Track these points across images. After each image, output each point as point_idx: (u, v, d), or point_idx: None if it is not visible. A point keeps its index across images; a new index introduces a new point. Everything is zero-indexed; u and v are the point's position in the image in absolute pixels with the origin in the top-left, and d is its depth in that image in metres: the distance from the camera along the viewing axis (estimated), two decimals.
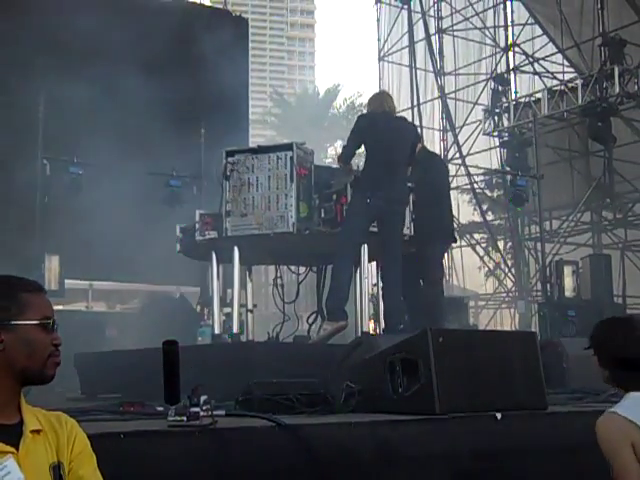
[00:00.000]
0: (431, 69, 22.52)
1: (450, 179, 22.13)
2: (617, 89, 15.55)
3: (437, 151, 22.35)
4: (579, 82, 16.76)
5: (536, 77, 20.52)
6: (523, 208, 17.39)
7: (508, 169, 17.69)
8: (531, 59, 20.69)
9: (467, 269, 22.63)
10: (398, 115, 8.08)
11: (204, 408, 3.47)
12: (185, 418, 3.42)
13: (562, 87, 17.39)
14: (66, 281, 12.13)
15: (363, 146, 7.71)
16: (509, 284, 21.23)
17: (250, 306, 8.62)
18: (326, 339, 7.07)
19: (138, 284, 16.06)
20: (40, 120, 12.29)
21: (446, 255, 22.68)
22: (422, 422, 4.01)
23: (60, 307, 12.71)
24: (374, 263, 8.07)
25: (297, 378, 4.81)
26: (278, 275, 8.23)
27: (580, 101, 16.37)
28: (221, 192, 7.53)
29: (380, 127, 7.56)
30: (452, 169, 22.66)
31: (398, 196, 7.47)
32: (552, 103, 17.14)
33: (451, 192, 21.89)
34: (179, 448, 3.33)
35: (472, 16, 21.97)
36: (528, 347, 4.59)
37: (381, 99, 7.93)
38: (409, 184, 7.91)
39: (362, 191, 7.32)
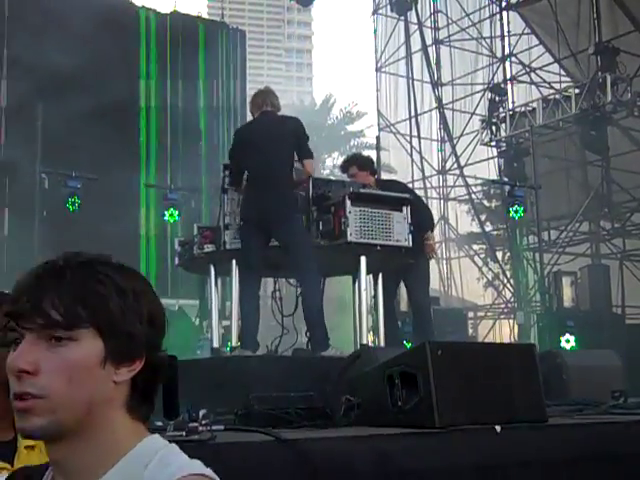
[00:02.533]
0: (428, 80, 22.61)
1: (448, 190, 22.37)
2: (609, 97, 15.57)
3: (434, 162, 22.50)
4: (572, 91, 16.79)
5: (533, 87, 20.57)
6: (521, 218, 17.40)
7: (506, 179, 17.70)
8: (528, 69, 20.75)
9: (466, 280, 22.65)
10: (278, 114, 7.60)
11: (203, 422, 3.46)
12: (184, 433, 3.41)
13: (556, 96, 17.41)
14: None
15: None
16: (508, 295, 21.23)
17: None
18: None
19: None
20: (39, 134, 12.30)
21: (445, 266, 22.81)
22: (422, 435, 4.00)
23: None
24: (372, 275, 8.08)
25: (296, 392, 4.80)
26: (277, 288, 8.22)
27: (574, 110, 16.40)
28: (219, 205, 7.53)
29: (250, 137, 7.31)
30: (450, 180, 22.77)
31: (276, 206, 7.05)
32: (547, 112, 17.17)
33: (449, 202, 22.02)
34: None
35: (469, 27, 22.05)
36: (527, 359, 4.58)
37: (256, 101, 7.55)
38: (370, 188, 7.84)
39: (241, 213, 7.26)
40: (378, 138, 19.19)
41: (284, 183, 7.15)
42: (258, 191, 7.09)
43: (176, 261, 8.28)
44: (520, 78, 20.97)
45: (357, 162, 8.73)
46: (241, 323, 7.25)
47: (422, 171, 22.65)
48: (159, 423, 4.09)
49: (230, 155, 7.54)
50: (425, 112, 23.03)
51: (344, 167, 8.78)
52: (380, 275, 8.14)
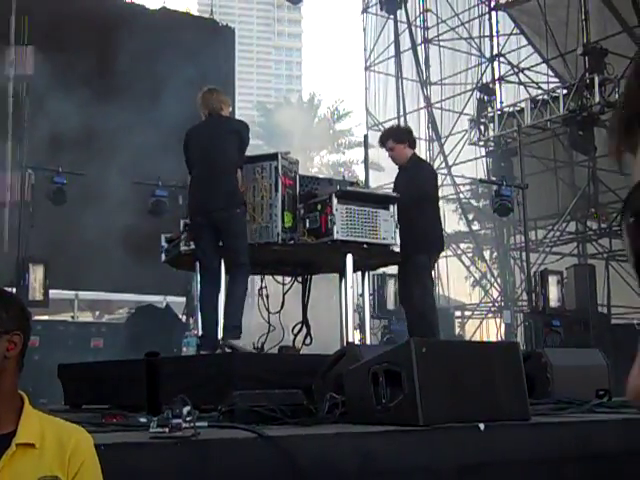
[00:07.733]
0: (417, 79, 22.62)
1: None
2: (597, 98, 15.61)
3: None
4: (561, 91, 16.84)
5: (521, 87, 20.62)
6: (508, 218, 17.45)
7: (494, 179, 17.74)
8: (516, 69, 20.81)
9: (453, 279, 22.65)
10: (222, 116, 7.61)
11: (186, 419, 3.46)
12: (167, 429, 3.40)
13: (545, 96, 17.46)
14: (52, 291, 12.07)
15: None
16: (495, 294, 21.28)
17: None
18: None
19: (124, 294, 16.04)
20: (25, 129, 12.26)
21: None
22: (405, 433, 4.01)
23: (45, 317, 12.70)
24: (359, 273, 8.07)
25: (282, 389, 4.80)
26: (263, 285, 8.21)
27: (562, 110, 16.44)
28: None
29: (194, 142, 7.41)
30: (438, 179, 22.76)
31: (218, 202, 7.05)
32: (535, 112, 17.21)
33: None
34: (160, 460, 3.32)
35: (458, 26, 22.07)
36: (511, 357, 4.60)
37: (201, 102, 7.67)
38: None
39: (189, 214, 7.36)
40: (366, 136, 19.13)
41: (227, 181, 7.11)
42: (202, 188, 7.14)
43: (162, 257, 8.25)
44: (508, 78, 21.03)
45: (393, 135, 8.56)
46: (200, 324, 7.29)
47: None
48: (143, 419, 4.10)
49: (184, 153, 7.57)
50: (413, 111, 23.03)
51: (381, 142, 8.62)
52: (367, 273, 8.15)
